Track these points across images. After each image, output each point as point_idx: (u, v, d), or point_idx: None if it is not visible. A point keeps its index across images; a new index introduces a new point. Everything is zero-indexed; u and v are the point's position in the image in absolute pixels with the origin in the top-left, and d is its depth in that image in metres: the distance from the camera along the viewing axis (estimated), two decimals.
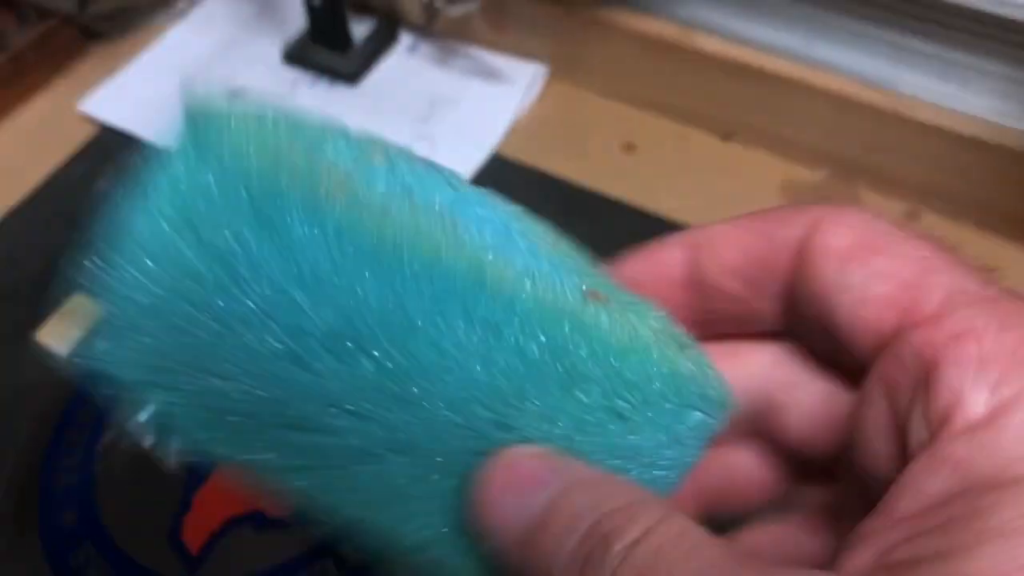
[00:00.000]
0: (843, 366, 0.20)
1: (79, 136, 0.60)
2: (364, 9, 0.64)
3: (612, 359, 0.19)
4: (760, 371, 0.22)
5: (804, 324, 0.20)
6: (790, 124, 0.52)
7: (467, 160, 0.55)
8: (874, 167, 0.51)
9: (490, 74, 0.60)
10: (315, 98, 0.60)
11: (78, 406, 0.38)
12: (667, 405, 0.20)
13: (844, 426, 0.20)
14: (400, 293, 0.19)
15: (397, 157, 0.21)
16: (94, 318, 0.36)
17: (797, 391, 0.22)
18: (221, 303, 0.20)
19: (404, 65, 0.62)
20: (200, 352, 0.20)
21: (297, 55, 0.61)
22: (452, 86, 0.60)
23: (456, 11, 0.53)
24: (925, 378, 0.17)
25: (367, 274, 0.19)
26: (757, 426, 0.22)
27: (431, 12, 0.55)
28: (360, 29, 0.62)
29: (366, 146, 0.21)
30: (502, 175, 0.55)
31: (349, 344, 0.19)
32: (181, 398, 0.21)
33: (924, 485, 0.16)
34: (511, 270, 0.19)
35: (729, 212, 0.54)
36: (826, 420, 0.21)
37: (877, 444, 0.18)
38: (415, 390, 0.19)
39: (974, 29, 0.45)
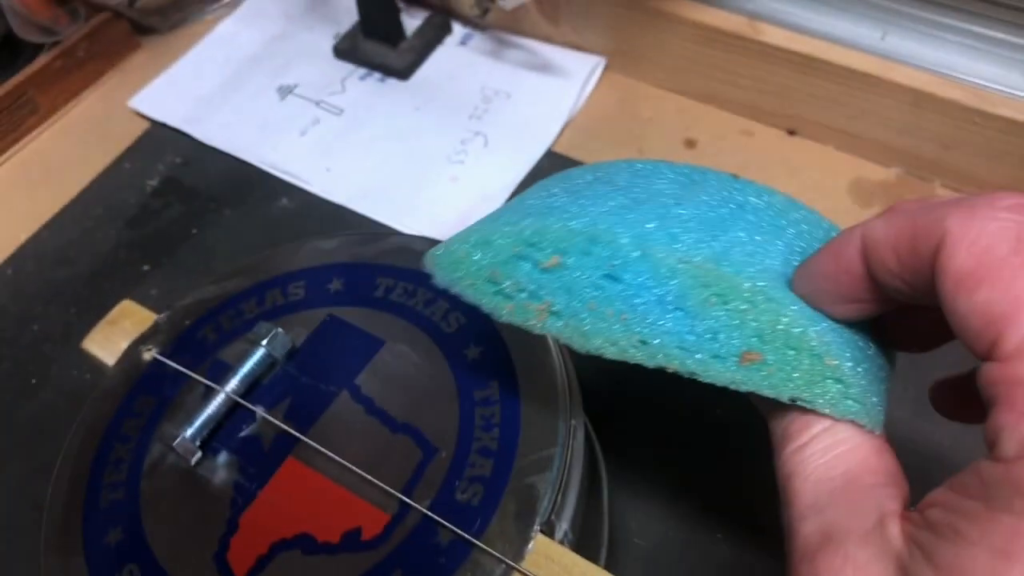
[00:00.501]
0: None
1: (130, 133, 0.59)
2: (416, 1, 0.62)
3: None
4: None
5: None
6: (861, 120, 0.49)
7: (522, 157, 0.53)
8: (952, 166, 0.48)
9: (546, 67, 0.58)
10: (366, 93, 0.59)
11: (125, 416, 0.37)
12: None
13: None
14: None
15: (572, 249, 0.27)
16: (141, 326, 0.37)
17: None
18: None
19: (457, 58, 0.60)
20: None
21: (348, 50, 0.60)
22: (506, 80, 0.58)
23: (511, 4, 0.51)
24: (989, 408, 0.19)
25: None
26: None
27: (484, 5, 0.53)
28: (412, 22, 0.61)
29: (543, 248, 0.28)
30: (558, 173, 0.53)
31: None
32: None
33: (964, 481, 0.19)
34: (675, 362, 0.26)
35: None
36: None
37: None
38: None
39: None
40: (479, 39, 0.61)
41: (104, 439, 0.37)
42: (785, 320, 0.24)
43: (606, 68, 0.57)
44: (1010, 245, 0.20)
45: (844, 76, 0.47)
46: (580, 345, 0.27)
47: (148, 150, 0.58)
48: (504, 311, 0.29)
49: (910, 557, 0.20)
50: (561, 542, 0.31)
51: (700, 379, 0.25)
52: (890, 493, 0.22)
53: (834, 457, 0.23)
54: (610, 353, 0.27)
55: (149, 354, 0.39)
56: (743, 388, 0.25)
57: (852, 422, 0.24)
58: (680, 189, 0.29)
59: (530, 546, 0.30)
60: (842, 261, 0.24)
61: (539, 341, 0.35)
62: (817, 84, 0.49)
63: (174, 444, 0.34)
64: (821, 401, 0.24)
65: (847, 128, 0.50)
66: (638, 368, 0.27)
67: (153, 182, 0.56)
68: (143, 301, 0.50)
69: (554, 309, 0.27)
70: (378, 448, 0.33)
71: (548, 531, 0.30)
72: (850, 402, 0.24)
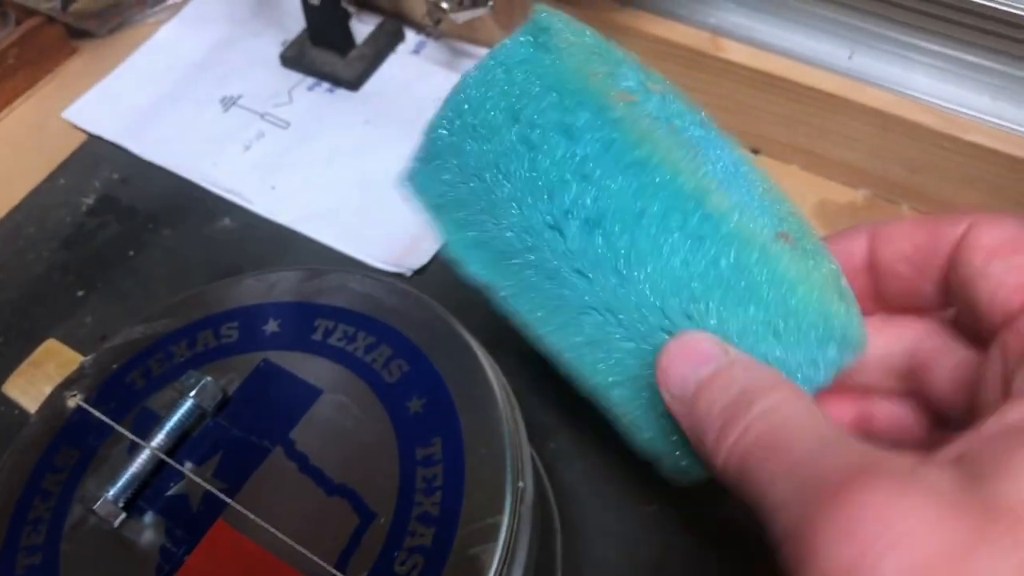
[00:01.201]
0: (980, 338, 0.25)
1: (65, 146, 0.56)
2: (368, 6, 0.60)
3: (784, 288, 0.25)
4: (914, 337, 0.28)
5: (955, 302, 0.26)
6: (827, 140, 0.47)
7: None
8: (920, 189, 0.46)
9: None
10: (314, 104, 0.56)
11: (46, 470, 0.35)
12: (814, 334, 0.25)
13: (976, 386, 0.25)
14: (641, 195, 0.25)
15: (671, 93, 0.30)
16: (66, 369, 0.36)
17: (943, 356, 0.27)
18: (514, 164, 0.27)
19: (410, 68, 0.57)
20: (488, 196, 0.28)
21: (295, 58, 0.57)
22: None
23: (463, 18, 0.49)
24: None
25: (621, 176, 0.26)
26: (909, 383, 0.28)
27: (436, 16, 0.50)
28: (363, 28, 0.58)
29: (651, 77, 0.29)
30: None
31: (594, 223, 0.26)
32: (461, 225, 0.29)
33: (1007, 416, 0.20)
34: (726, 201, 0.25)
35: None
36: (963, 381, 0.26)
37: (992, 395, 0.23)
38: (630, 269, 0.26)
39: None
40: (433, 47, 0.58)
41: (22, 496, 0.34)
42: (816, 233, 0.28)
43: None
44: None
45: (809, 96, 0.45)
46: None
47: (84, 165, 0.55)
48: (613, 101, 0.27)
49: (977, 462, 0.19)
50: None
51: (730, 232, 0.25)
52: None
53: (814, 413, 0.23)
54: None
55: (73, 401, 0.36)
56: (771, 261, 0.25)
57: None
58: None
59: None
60: (846, 245, 0.27)
61: (487, 393, 0.33)
62: (781, 103, 0.47)
63: (95, 507, 0.32)
64: (835, 307, 0.25)
65: (812, 148, 0.48)
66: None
67: (89, 200, 0.53)
68: (77, 329, 0.48)
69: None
70: (313, 512, 0.31)
71: None
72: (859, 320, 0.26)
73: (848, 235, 0.27)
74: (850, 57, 0.46)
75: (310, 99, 0.56)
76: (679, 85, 0.50)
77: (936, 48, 0.43)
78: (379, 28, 0.58)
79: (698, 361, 0.25)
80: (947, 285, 0.26)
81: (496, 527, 0.29)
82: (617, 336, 0.28)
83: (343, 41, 0.57)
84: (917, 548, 0.18)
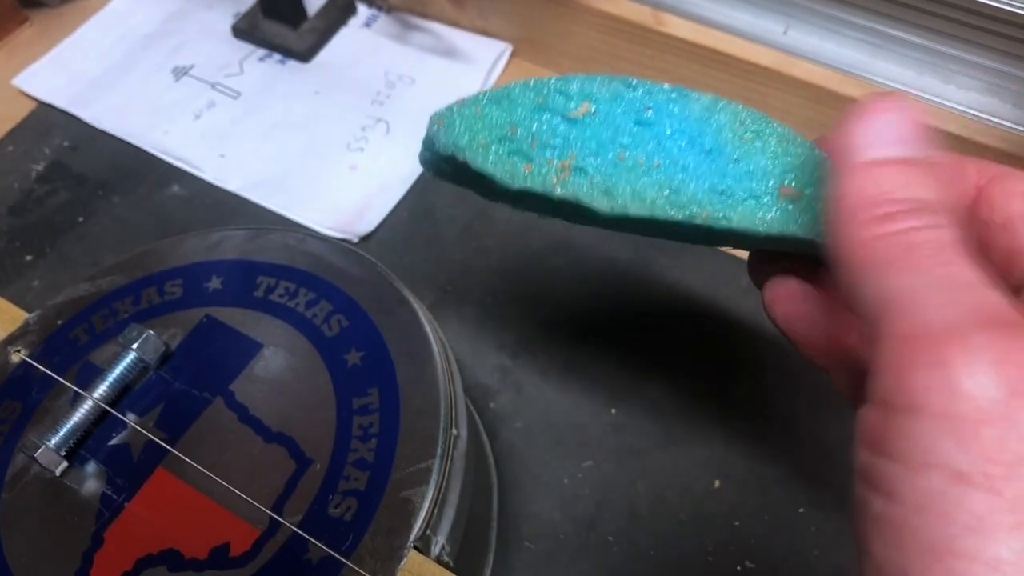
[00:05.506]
0: None
1: (15, 113, 0.56)
2: None
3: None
4: None
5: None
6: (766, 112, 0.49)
7: None
8: None
9: (451, 52, 0.56)
10: (264, 75, 0.56)
11: None
12: None
13: None
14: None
15: (602, 105, 0.26)
16: (11, 325, 0.36)
17: None
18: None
19: (360, 40, 0.58)
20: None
21: (247, 29, 0.58)
22: (411, 64, 0.56)
23: None
24: None
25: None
26: None
27: None
28: (315, 1, 0.59)
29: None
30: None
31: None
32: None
33: None
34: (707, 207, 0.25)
35: None
36: None
37: None
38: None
39: (960, 19, 0.42)
40: (384, 21, 0.59)
41: None
42: (818, 153, 0.26)
43: (512, 55, 0.56)
44: None
45: (746, 70, 0.47)
46: (603, 205, 0.25)
47: (34, 132, 0.55)
48: (521, 174, 0.26)
49: None
50: (438, 557, 0.30)
51: (732, 228, 0.25)
52: None
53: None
54: (636, 210, 0.25)
55: (17, 356, 0.37)
56: (778, 230, 0.24)
57: None
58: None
59: (402, 564, 0.29)
60: (955, 171, 0.25)
61: (424, 346, 0.34)
62: (720, 77, 0.48)
63: (36, 454, 0.32)
64: None
65: None
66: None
67: (39, 167, 0.54)
68: (24, 294, 0.48)
69: (580, 164, 0.25)
70: (250, 459, 0.32)
71: (424, 546, 0.29)
72: None
73: (948, 164, 0.24)
74: (785, 32, 0.47)
75: (261, 70, 0.57)
76: (624, 60, 0.51)
77: (865, 23, 0.44)
78: (331, 1, 0.59)
79: (899, 133, 0.21)
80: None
81: (428, 471, 0.30)
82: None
83: (295, 14, 0.57)
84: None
